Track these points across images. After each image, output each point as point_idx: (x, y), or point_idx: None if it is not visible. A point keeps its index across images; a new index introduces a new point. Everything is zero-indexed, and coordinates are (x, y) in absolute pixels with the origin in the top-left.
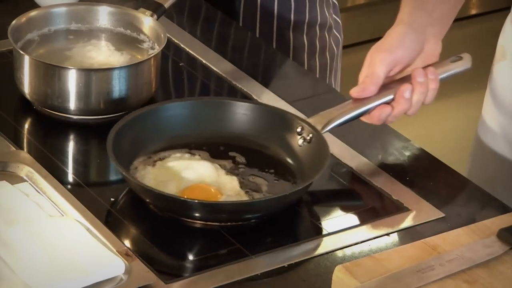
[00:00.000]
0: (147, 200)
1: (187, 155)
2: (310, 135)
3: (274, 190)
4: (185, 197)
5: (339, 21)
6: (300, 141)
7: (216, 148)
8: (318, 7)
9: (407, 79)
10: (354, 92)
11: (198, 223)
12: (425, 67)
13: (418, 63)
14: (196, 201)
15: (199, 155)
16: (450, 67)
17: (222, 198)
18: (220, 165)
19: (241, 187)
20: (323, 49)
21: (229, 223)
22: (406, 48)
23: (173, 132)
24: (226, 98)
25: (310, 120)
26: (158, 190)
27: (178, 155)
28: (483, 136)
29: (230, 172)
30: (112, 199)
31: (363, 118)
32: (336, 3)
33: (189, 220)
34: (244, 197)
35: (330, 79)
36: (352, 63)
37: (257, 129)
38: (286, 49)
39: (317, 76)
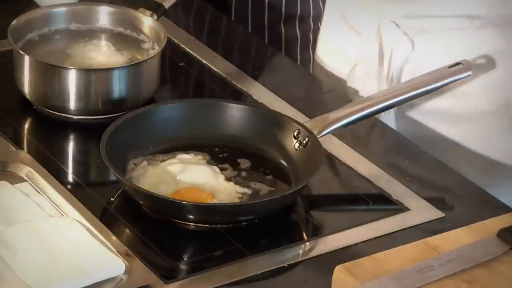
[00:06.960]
0: (140, 202)
1: (183, 157)
2: (306, 139)
3: (270, 193)
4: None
5: None
6: (297, 145)
7: (213, 150)
8: None
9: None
10: None
11: (193, 225)
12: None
13: None
14: (184, 202)
15: (195, 157)
16: (449, 74)
17: (214, 201)
18: (217, 168)
19: (236, 190)
20: (316, 41)
21: (224, 225)
22: None
23: (167, 133)
24: (223, 100)
25: (307, 124)
26: (148, 190)
27: (173, 157)
28: None
29: (226, 175)
30: (112, 199)
31: None
32: None
33: (180, 222)
34: (237, 200)
35: None
36: None
37: (254, 132)
38: (278, 43)
39: (311, 69)
